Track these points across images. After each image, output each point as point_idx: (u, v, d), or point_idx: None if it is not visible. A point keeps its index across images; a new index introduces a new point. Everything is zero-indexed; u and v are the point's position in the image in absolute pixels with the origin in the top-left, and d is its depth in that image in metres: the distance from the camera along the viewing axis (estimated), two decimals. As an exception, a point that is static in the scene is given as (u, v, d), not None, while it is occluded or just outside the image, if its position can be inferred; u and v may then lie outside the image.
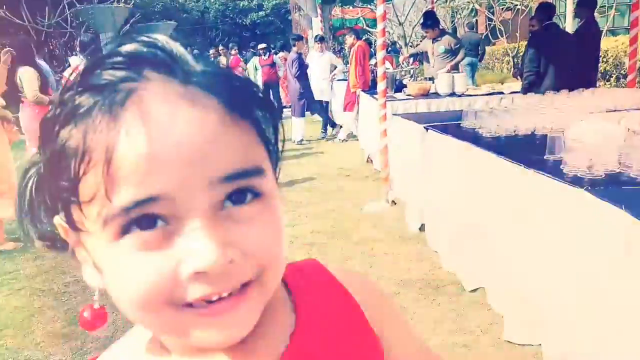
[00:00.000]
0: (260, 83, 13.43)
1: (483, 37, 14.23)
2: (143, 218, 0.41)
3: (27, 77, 5.27)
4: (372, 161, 6.78)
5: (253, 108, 0.46)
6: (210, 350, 0.48)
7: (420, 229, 4.29)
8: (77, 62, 5.55)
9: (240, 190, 0.44)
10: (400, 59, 9.53)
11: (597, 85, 5.89)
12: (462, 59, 7.51)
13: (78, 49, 5.99)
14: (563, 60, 5.20)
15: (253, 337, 0.48)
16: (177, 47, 0.46)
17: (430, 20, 7.51)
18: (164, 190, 0.41)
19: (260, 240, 0.45)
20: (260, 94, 0.48)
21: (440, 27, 7.83)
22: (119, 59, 0.43)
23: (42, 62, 6.24)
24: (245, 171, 0.44)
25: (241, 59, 12.97)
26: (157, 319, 0.44)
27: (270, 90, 12.82)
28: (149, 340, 0.53)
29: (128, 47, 0.44)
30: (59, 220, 0.47)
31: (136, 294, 0.43)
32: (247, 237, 0.44)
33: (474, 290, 3.27)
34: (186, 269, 0.42)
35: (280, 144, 0.50)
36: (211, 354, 0.49)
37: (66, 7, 12.17)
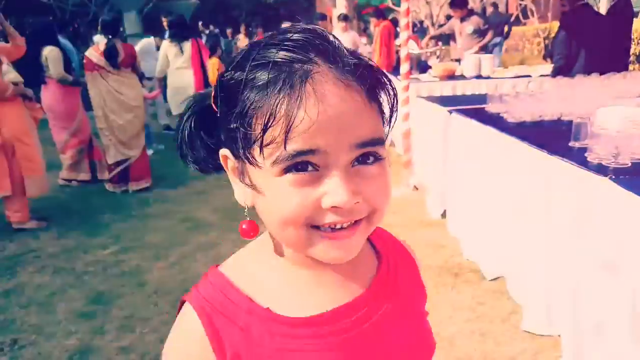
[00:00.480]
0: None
1: (512, 17, 13.86)
2: (301, 163, 0.58)
3: (52, 56, 5.30)
4: (394, 145, 6.69)
5: (380, 92, 0.62)
6: (321, 266, 0.68)
7: (442, 215, 4.23)
8: (100, 40, 5.57)
9: (367, 154, 0.61)
10: (423, 42, 9.34)
11: (630, 69, 5.68)
12: (491, 40, 7.34)
13: (99, 28, 5.99)
14: (595, 43, 5.01)
15: (353, 263, 0.67)
16: (335, 40, 0.61)
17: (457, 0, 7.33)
18: (321, 146, 0.57)
19: (376, 192, 0.62)
20: (387, 81, 0.63)
21: (469, 7, 7.65)
22: (291, 43, 0.58)
23: (66, 41, 6.27)
24: (373, 140, 0.61)
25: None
26: (294, 233, 0.62)
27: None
28: (265, 251, 0.72)
29: (297, 35, 0.59)
30: (225, 152, 0.66)
31: (287, 213, 0.60)
32: (367, 189, 0.61)
33: (494, 279, 3.22)
34: (326, 202, 0.59)
35: (393, 121, 0.66)
36: (321, 269, 0.69)
37: (91, -15, 12.25)
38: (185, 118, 0.71)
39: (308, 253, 0.64)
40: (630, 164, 2.21)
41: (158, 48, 8.03)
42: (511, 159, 2.91)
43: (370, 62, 0.62)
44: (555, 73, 5.16)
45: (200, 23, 12.76)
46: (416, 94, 5.45)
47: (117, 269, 3.72)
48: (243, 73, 0.60)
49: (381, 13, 9.27)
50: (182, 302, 0.71)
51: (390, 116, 0.65)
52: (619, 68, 4.64)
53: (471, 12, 7.52)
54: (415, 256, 0.83)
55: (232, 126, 0.61)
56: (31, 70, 5.19)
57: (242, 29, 12.14)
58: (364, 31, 15.16)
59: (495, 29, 9.44)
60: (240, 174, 0.66)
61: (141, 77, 5.78)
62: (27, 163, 4.41)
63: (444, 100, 4.69)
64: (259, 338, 0.66)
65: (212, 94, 0.67)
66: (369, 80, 0.60)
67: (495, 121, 3.38)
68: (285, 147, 0.57)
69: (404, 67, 5.13)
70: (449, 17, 10.60)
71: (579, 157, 2.36)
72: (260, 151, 0.59)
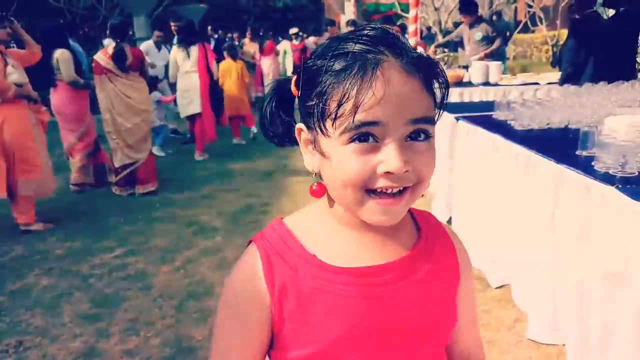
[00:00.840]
0: (289, 67, 13.39)
1: (513, 24, 13.81)
2: (364, 134, 0.70)
3: (63, 59, 5.32)
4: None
5: (434, 81, 0.75)
6: (367, 228, 0.80)
7: (447, 221, 4.22)
8: (109, 44, 5.60)
9: (418, 131, 0.72)
10: (429, 51, 9.34)
11: (637, 76, 5.64)
12: (498, 47, 7.31)
13: (108, 31, 6.03)
14: (604, 51, 4.99)
15: (395, 231, 0.82)
16: (401, 37, 0.74)
17: (469, 4, 7.32)
18: (382, 118, 0.69)
19: (424, 164, 0.73)
20: (441, 73, 0.75)
21: (478, 14, 7.63)
22: (366, 38, 0.72)
23: (76, 44, 6.31)
24: (425, 118, 0.72)
25: (275, 43, 12.92)
26: (352, 194, 0.73)
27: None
28: (322, 210, 0.84)
29: (370, 31, 0.73)
30: (301, 125, 0.80)
31: (348, 176, 0.72)
32: (416, 160, 0.72)
33: (500, 287, 3.21)
34: (382, 168, 0.71)
35: (441, 110, 0.77)
36: (366, 231, 0.81)
37: (101, -11, 12.33)
38: (267, 100, 0.86)
39: (359, 214, 0.76)
40: (637, 173, 2.20)
41: (159, 48, 8.15)
42: (518, 167, 2.90)
43: (429, 57, 0.75)
44: (563, 81, 5.14)
45: (209, 27, 12.81)
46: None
47: (122, 272, 3.73)
48: (324, 60, 0.73)
49: (389, 20, 9.27)
50: (250, 242, 0.85)
51: (442, 101, 0.77)
52: (628, 76, 4.62)
53: (480, 19, 7.51)
54: (458, 244, 0.92)
55: (311, 103, 0.74)
56: (41, 73, 5.22)
57: (247, 33, 12.18)
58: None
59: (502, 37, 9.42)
60: (312, 142, 0.78)
61: (155, 79, 5.83)
62: (23, 165, 4.41)
63: (451, 107, 4.67)
64: (303, 276, 0.79)
65: (294, 80, 0.81)
66: (426, 71, 0.73)
67: (502, 128, 3.37)
68: (353, 119, 0.69)
69: (411, 74, 5.12)
70: (456, 24, 10.59)
71: (585, 166, 2.35)
72: (333, 123, 0.71)
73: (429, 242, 0.86)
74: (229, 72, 7.74)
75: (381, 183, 0.72)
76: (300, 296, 0.79)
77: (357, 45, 0.71)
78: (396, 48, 0.72)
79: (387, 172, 0.70)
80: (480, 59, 6.88)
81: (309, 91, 0.75)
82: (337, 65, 0.71)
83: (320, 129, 0.74)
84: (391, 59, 0.70)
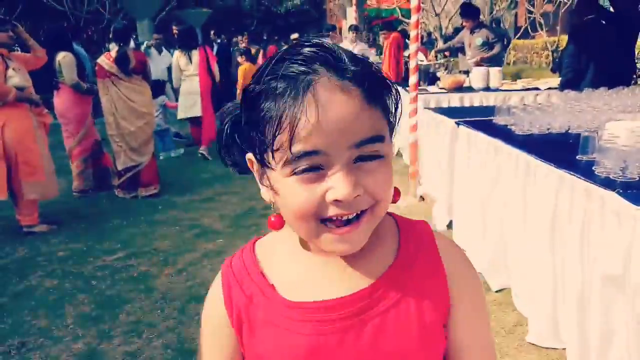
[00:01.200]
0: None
1: (514, 30, 13.82)
2: (306, 163, 0.65)
3: (66, 62, 5.33)
4: (401, 155, 6.71)
5: (383, 94, 0.69)
6: (331, 257, 0.75)
7: (448, 226, 4.24)
8: (114, 47, 5.62)
9: (367, 151, 0.66)
10: (430, 56, 9.37)
11: (635, 82, 5.65)
12: (497, 53, 7.34)
13: (111, 36, 6.07)
14: (605, 56, 5.02)
15: (365, 256, 0.76)
16: (340, 50, 0.68)
17: (471, 9, 7.38)
18: (322, 147, 0.64)
19: (377, 185, 0.68)
20: (390, 84, 0.70)
21: (480, 19, 7.68)
22: (301, 57, 0.65)
23: (79, 48, 6.34)
24: (372, 138, 0.66)
25: (278, 48, 12.99)
26: (306, 226, 0.69)
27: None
28: (291, 236, 0.78)
29: (307, 49, 0.66)
30: (250, 156, 0.74)
31: (297, 208, 0.67)
32: (369, 182, 0.67)
33: (500, 291, 3.22)
34: (329, 196, 0.66)
35: (397, 118, 0.73)
36: (331, 259, 0.76)
37: (105, -7, 12.38)
38: (224, 124, 0.80)
39: (317, 245, 0.72)
40: (637, 178, 2.21)
41: (160, 51, 8.26)
42: (518, 172, 2.92)
43: (371, 67, 0.68)
44: (563, 86, 5.16)
45: (212, 32, 12.89)
46: (424, 105, 5.47)
47: (125, 274, 3.74)
48: (260, 85, 0.68)
49: (390, 26, 9.31)
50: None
51: (395, 112, 0.72)
52: (627, 82, 4.65)
53: (481, 24, 7.54)
54: (453, 265, 0.80)
55: (251, 133, 0.70)
56: (44, 76, 5.24)
57: (244, 38, 12.26)
58: (373, 42, 15.23)
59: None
60: (261, 175, 0.74)
61: (161, 83, 5.88)
62: (26, 167, 4.43)
63: (451, 112, 4.70)
64: (256, 307, 0.78)
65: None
66: (368, 84, 0.66)
67: (502, 133, 3.39)
68: (290, 150, 0.64)
69: (413, 79, 5.15)
70: (457, 30, 10.62)
71: (586, 171, 2.37)
72: (272, 155, 0.67)
73: (407, 264, 0.78)
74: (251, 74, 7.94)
75: (333, 211, 0.67)
76: (253, 327, 0.78)
77: (290, 66, 0.65)
78: (333, 64, 0.65)
79: (337, 200, 0.66)
80: (477, 62, 6.92)
81: (248, 120, 0.70)
82: (271, 91, 0.66)
83: (263, 162, 0.69)
84: (327, 77, 0.64)
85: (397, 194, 0.76)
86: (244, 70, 7.92)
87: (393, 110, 0.71)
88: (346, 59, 0.66)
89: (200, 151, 7.30)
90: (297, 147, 0.63)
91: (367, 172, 0.67)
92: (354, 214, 0.68)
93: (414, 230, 0.82)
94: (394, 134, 0.73)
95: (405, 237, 0.81)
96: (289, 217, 0.71)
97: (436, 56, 9.29)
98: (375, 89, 0.67)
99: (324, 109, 0.63)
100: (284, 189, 0.68)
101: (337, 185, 0.65)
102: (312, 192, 0.66)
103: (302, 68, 0.65)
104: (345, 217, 0.68)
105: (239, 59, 8.48)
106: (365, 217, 0.69)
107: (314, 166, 0.65)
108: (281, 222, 0.76)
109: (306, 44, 0.68)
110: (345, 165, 0.65)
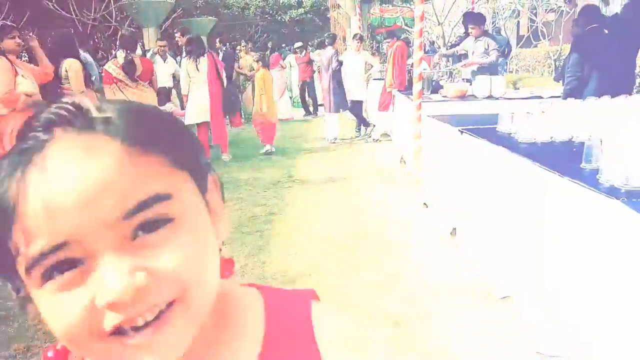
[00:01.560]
0: (296, 81, 13.42)
1: (516, 40, 13.84)
2: (58, 263, 0.44)
3: (73, 69, 5.36)
4: (405, 162, 6.73)
5: (160, 138, 0.48)
6: None
7: (451, 233, 4.25)
8: (121, 55, 5.67)
9: (150, 217, 0.45)
10: (434, 60, 9.42)
11: (637, 90, 5.66)
12: (492, 61, 7.35)
13: (118, 42, 6.13)
14: (606, 65, 5.05)
15: (215, 350, 0.55)
16: (83, 101, 0.47)
17: (477, 17, 7.46)
18: (67, 236, 0.43)
19: (174, 262, 0.46)
20: (170, 122, 0.51)
21: (484, 28, 7.74)
22: (38, 124, 0.47)
23: (86, 55, 6.40)
24: (145, 202, 0.45)
25: (281, 57, 13.04)
26: (88, 349, 0.46)
27: (307, 88, 12.85)
28: None
29: (45, 114, 0.47)
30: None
31: (64, 330, 0.45)
32: (159, 261, 0.45)
33: (504, 298, 3.23)
34: (99, 301, 0.44)
35: (203, 161, 0.53)
36: None
37: (111, 1, 12.44)
38: None
39: None
40: (641, 187, 2.23)
41: (165, 58, 8.37)
42: (521, 180, 2.94)
43: (139, 110, 0.49)
44: (566, 95, 5.18)
45: (218, 40, 12.99)
46: (428, 113, 5.49)
47: (129, 279, 3.74)
48: None
49: (394, 34, 9.39)
50: None
51: (196, 156, 0.52)
52: (629, 90, 4.67)
53: (485, 33, 7.59)
54: (326, 345, 0.58)
55: None
56: (50, 82, 5.26)
57: (242, 47, 12.34)
58: (377, 50, 15.29)
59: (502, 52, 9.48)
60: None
61: (169, 90, 5.92)
62: None
63: (455, 120, 4.73)
64: None
65: None
66: (134, 132, 0.46)
67: (505, 141, 3.41)
68: (27, 253, 0.44)
69: (417, 87, 5.18)
70: (460, 38, 10.66)
71: (590, 179, 2.38)
72: (14, 266, 0.46)
73: (276, 355, 0.57)
74: (269, 80, 8.16)
75: (109, 322, 0.44)
76: None
77: (31, 134, 0.47)
78: (68, 119, 0.46)
79: (112, 305, 0.43)
80: (468, 65, 7.02)
81: None
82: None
83: (7, 277, 0.48)
84: (59, 138, 0.45)
85: (227, 266, 0.56)
86: (262, 75, 7.97)
87: (191, 155, 0.51)
88: (93, 107, 0.47)
89: (224, 159, 7.68)
90: (34, 245, 0.43)
91: (154, 247, 0.45)
92: (152, 314, 0.45)
93: (281, 313, 0.60)
94: (207, 181, 0.53)
95: (272, 319, 0.59)
96: (64, 343, 0.48)
97: (440, 59, 9.36)
98: (145, 135, 0.47)
99: (54, 183, 0.43)
100: (42, 305, 0.46)
101: (105, 280, 0.43)
102: (77, 302, 0.44)
103: (39, 136, 0.46)
104: (143, 321, 0.45)
105: (237, 68, 8.63)
106: (175, 312, 0.46)
107: (66, 264, 0.44)
108: (66, 354, 0.57)
109: (47, 108, 0.48)
110: (116, 248, 0.44)
